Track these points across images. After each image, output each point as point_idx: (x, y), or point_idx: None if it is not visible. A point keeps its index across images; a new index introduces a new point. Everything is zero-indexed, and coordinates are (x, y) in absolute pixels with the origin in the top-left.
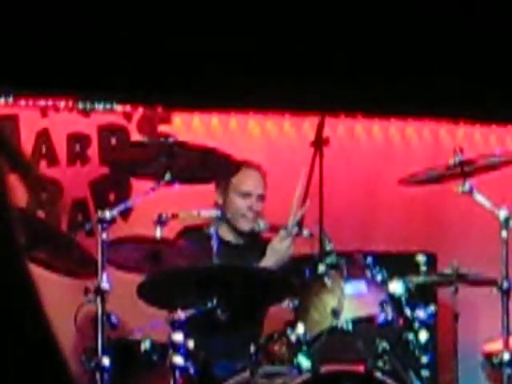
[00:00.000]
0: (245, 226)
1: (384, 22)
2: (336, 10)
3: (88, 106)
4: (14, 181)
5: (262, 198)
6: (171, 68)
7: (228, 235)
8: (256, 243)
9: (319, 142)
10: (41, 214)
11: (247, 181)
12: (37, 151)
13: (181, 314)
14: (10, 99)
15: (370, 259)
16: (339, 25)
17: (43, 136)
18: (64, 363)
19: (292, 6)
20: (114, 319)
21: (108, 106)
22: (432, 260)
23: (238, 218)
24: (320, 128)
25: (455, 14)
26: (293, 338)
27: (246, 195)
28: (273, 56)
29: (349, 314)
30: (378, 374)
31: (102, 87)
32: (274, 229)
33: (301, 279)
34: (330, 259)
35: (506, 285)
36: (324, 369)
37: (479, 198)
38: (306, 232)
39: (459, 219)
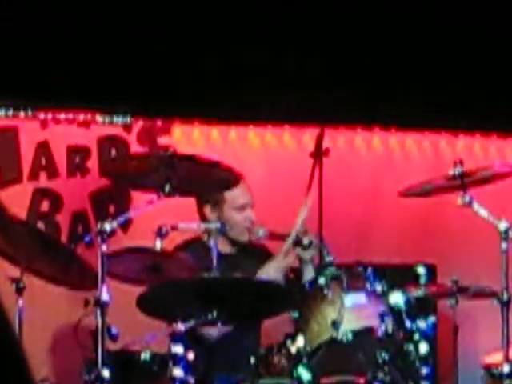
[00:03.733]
0: (245, 237)
1: (383, 34)
2: (332, 24)
3: (88, 117)
4: (13, 193)
5: (254, 205)
6: (172, 80)
7: (224, 247)
8: (251, 252)
9: (319, 153)
10: (40, 225)
11: (241, 193)
12: (37, 163)
13: (181, 326)
14: (10, 111)
15: (369, 271)
16: (339, 37)
17: (43, 148)
18: (24, 361)
19: (291, 22)
20: (114, 331)
21: (108, 118)
22: (432, 272)
23: (240, 230)
24: (319, 139)
25: (451, 27)
26: (293, 349)
27: (243, 207)
28: (273, 68)
29: (349, 325)
30: None
31: (102, 99)
32: (274, 236)
33: (301, 291)
34: (330, 271)
35: (505, 296)
36: (324, 381)
37: (479, 209)
38: (305, 240)
39: (459, 231)
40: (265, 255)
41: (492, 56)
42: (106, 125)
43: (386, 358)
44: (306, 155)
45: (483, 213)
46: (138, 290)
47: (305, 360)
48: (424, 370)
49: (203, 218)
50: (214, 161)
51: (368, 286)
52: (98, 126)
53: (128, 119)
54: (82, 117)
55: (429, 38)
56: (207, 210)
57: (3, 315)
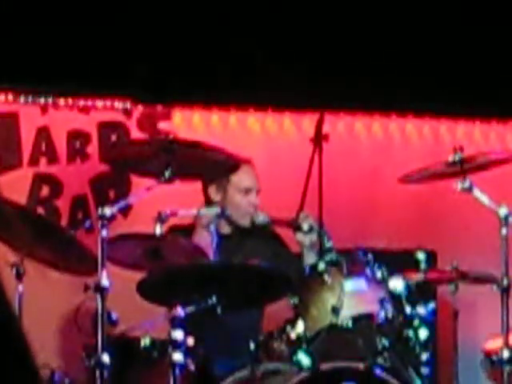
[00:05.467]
0: (246, 221)
1: (381, 22)
2: (334, 9)
3: (88, 103)
4: (13, 178)
5: (259, 191)
6: (172, 66)
7: (226, 229)
8: (253, 234)
9: (319, 138)
10: (40, 210)
11: (246, 177)
12: (37, 148)
13: (180, 311)
14: (10, 97)
15: (369, 256)
16: (338, 22)
17: (43, 133)
18: (27, 349)
19: (292, 7)
20: (113, 316)
21: (108, 103)
22: (432, 257)
23: (240, 214)
24: (319, 124)
25: (451, 12)
26: (292, 335)
27: (247, 191)
28: (272, 53)
29: (348, 311)
30: (378, 372)
31: (102, 85)
32: (274, 222)
33: (300, 276)
34: (330, 256)
35: (505, 282)
36: (324, 366)
37: (479, 195)
38: (305, 225)
39: (459, 216)
40: (270, 237)
41: (492, 42)
42: (106, 110)
43: (386, 343)
44: (306, 140)
45: (483, 199)
46: (138, 275)
47: (304, 346)
48: (424, 356)
49: (208, 199)
50: (215, 146)
51: (368, 271)
52: (98, 112)
53: (128, 105)
54: (82, 102)
55: (430, 24)
56: (212, 190)
57: (3, 295)
